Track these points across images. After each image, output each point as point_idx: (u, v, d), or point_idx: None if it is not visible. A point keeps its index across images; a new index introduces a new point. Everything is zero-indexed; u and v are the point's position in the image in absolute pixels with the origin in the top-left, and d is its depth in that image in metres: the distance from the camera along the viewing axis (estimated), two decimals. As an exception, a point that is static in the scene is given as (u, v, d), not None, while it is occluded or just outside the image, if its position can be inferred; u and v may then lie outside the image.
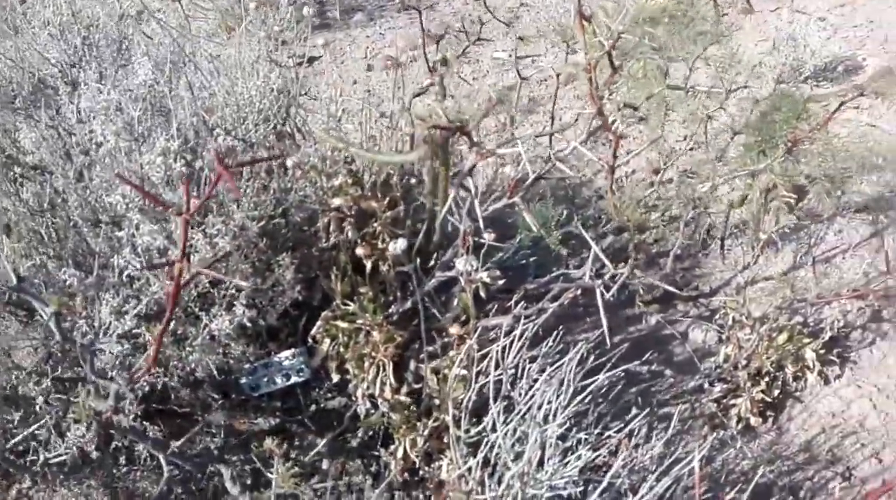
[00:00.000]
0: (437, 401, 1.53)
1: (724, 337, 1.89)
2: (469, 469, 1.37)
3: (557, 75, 1.68)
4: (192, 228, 1.44)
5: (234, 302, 1.37)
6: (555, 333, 1.56)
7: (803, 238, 2.15)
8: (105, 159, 1.45)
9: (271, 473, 1.22)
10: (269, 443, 1.19)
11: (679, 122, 2.52)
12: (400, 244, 1.22)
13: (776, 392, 1.77)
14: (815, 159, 1.45)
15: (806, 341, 1.76)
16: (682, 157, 2.39)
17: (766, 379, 1.75)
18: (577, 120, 1.98)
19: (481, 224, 1.17)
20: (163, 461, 1.39)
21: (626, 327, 2.06)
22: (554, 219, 1.99)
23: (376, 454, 1.69)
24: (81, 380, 1.47)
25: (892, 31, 2.72)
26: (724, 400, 1.78)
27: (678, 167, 2.41)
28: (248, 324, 1.37)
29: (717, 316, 1.98)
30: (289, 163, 1.37)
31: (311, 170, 1.56)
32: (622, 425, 1.49)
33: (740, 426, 1.75)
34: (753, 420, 1.73)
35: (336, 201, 1.43)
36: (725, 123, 2.23)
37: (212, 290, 1.50)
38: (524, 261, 2.13)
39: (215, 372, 1.46)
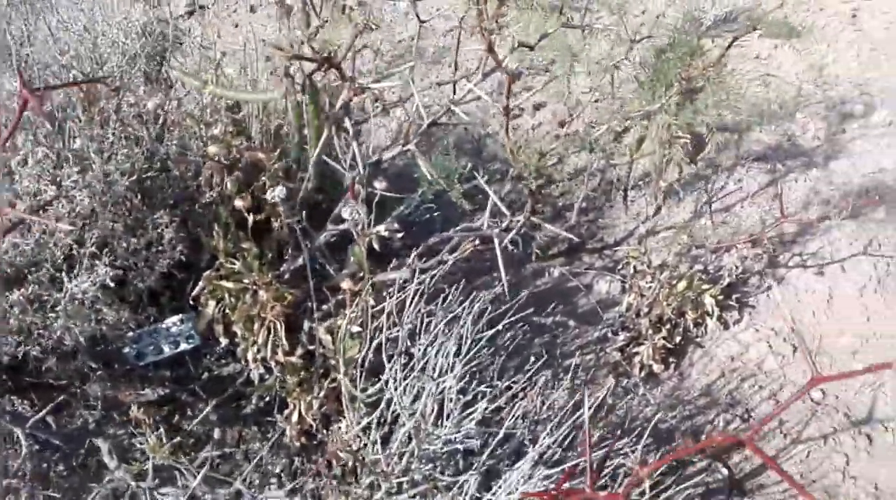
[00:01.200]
0: (332, 362, 1.45)
1: (626, 287, 1.89)
2: (365, 429, 1.31)
3: (460, 20, 1.59)
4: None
5: (97, 262, 1.24)
6: (455, 286, 1.50)
7: (704, 188, 2.17)
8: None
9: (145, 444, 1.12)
10: (135, 411, 1.08)
11: (585, 75, 2.49)
12: (278, 191, 1.13)
13: (677, 339, 1.78)
14: (713, 103, 1.43)
15: (705, 287, 1.77)
16: (587, 109, 2.36)
17: (668, 326, 1.76)
18: (478, 67, 1.90)
19: (360, 163, 1.09)
20: (21, 437, 1.26)
21: (532, 281, 2.03)
22: (457, 172, 1.92)
23: (273, 419, 1.60)
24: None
25: (788, -16, 2.76)
26: (628, 348, 1.78)
27: (584, 120, 2.38)
28: (111, 284, 1.25)
29: (620, 267, 1.98)
30: (149, 105, 1.24)
31: (187, 118, 1.43)
32: (525, 377, 1.47)
33: (643, 373, 1.76)
34: (656, 367, 1.74)
35: (212, 149, 1.31)
36: (630, 73, 2.21)
37: (77, 250, 1.37)
38: (428, 216, 2.06)
39: (82, 340, 1.33)
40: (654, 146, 1.90)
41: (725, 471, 1.61)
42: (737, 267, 1.87)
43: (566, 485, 0.99)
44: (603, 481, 1.25)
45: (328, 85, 1.24)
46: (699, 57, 1.33)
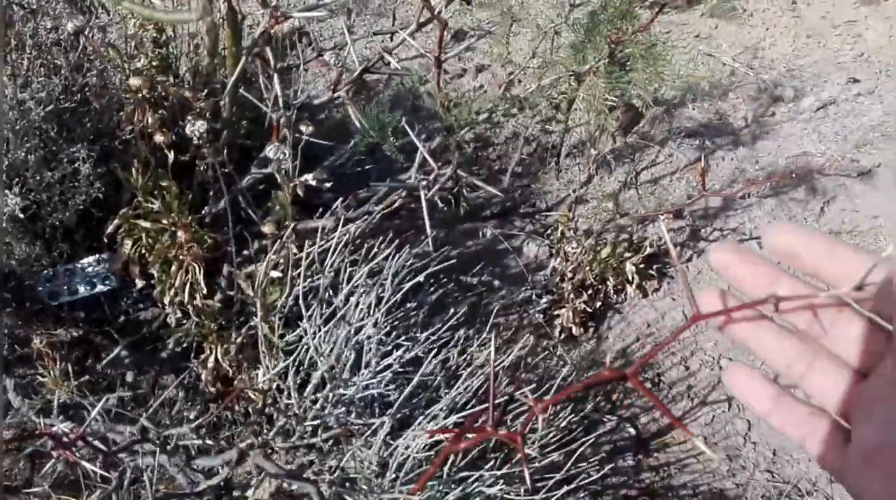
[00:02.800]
0: (252, 308, 1.44)
1: (554, 251, 1.93)
2: (281, 375, 1.31)
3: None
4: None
5: (7, 192, 1.19)
6: (382, 237, 1.50)
7: (635, 160, 2.21)
8: None
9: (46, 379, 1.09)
10: (37, 344, 1.05)
11: (527, 39, 2.49)
12: (198, 126, 1.10)
13: (598, 304, 1.82)
14: (642, 70, 1.45)
15: (627, 255, 1.81)
16: (527, 74, 2.37)
17: (589, 291, 1.80)
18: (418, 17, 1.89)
19: (280, 100, 1.06)
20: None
21: (463, 241, 2.05)
22: (392, 125, 1.91)
23: (190, 365, 1.58)
24: None
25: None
26: (550, 311, 1.82)
27: (525, 85, 2.39)
28: (21, 215, 1.20)
29: (549, 232, 2.01)
30: (69, 27, 1.18)
31: (109, 48, 1.37)
32: (447, 331, 1.48)
33: (563, 335, 1.80)
34: (575, 330, 1.79)
35: (134, 82, 1.26)
36: (571, 39, 2.23)
37: (-15, 179, 1.31)
38: (360, 170, 2.05)
39: (-12, 271, 1.28)
40: (589, 116, 1.92)
41: (633, 430, 1.67)
42: (659, 238, 1.92)
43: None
44: (509, 425, 1.28)
45: (251, 15, 1.21)
46: (629, 21, 1.34)
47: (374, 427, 1.23)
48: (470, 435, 0.47)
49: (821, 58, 2.54)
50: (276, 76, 1.02)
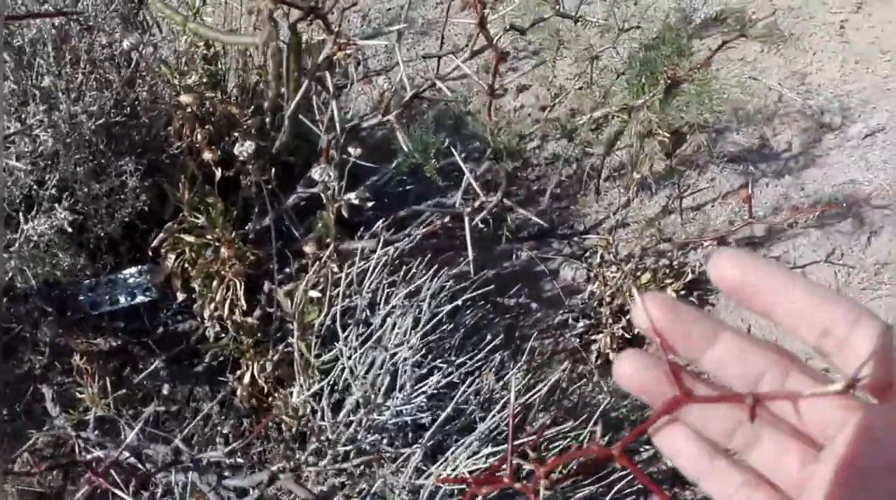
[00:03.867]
0: (290, 326, 1.44)
1: (592, 275, 1.90)
2: (315, 395, 1.30)
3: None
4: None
5: (56, 205, 1.21)
6: (420, 261, 1.50)
7: (677, 184, 2.18)
8: None
9: (83, 393, 1.10)
10: (77, 360, 1.06)
11: (570, 61, 2.48)
12: (247, 146, 1.11)
13: (636, 330, 1.79)
14: (696, 104, 1.43)
15: (668, 281, 1.78)
16: (569, 95, 2.35)
17: (628, 317, 1.77)
18: (467, 44, 1.89)
19: (337, 124, 1.07)
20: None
21: (499, 262, 2.03)
22: (435, 147, 1.91)
23: (225, 380, 1.59)
24: None
25: (780, -10, 2.77)
26: (587, 336, 1.80)
27: (566, 106, 2.38)
28: (69, 229, 1.22)
29: (587, 255, 1.99)
30: (125, 45, 1.21)
31: (161, 64, 1.40)
32: (483, 355, 1.47)
33: (599, 361, 1.77)
34: (612, 356, 1.76)
35: (185, 99, 1.28)
36: (615, 63, 2.21)
37: (36, 191, 1.33)
38: (401, 190, 2.05)
39: (34, 283, 1.31)
40: (632, 140, 1.90)
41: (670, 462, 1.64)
42: (701, 264, 1.89)
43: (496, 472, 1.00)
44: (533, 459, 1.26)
45: (310, 40, 1.22)
46: (687, 57, 1.32)
47: (406, 455, 1.22)
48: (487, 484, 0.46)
49: (869, 84, 2.48)
50: (334, 102, 1.03)
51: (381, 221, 1.47)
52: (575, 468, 1.38)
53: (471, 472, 1.22)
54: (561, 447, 1.35)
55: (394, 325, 1.29)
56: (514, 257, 2.02)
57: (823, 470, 0.35)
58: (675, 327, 0.38)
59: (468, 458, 1.20)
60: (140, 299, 1.62)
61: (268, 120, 1.62)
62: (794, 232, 2.05)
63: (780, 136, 2.35)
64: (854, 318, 0.34)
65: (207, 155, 1.25)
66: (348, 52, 0.94)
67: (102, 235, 1.47)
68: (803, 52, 2.57)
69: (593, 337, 1.78)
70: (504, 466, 0.47)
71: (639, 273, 1.76)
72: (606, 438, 1.54)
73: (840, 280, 1.97)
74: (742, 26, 1.45)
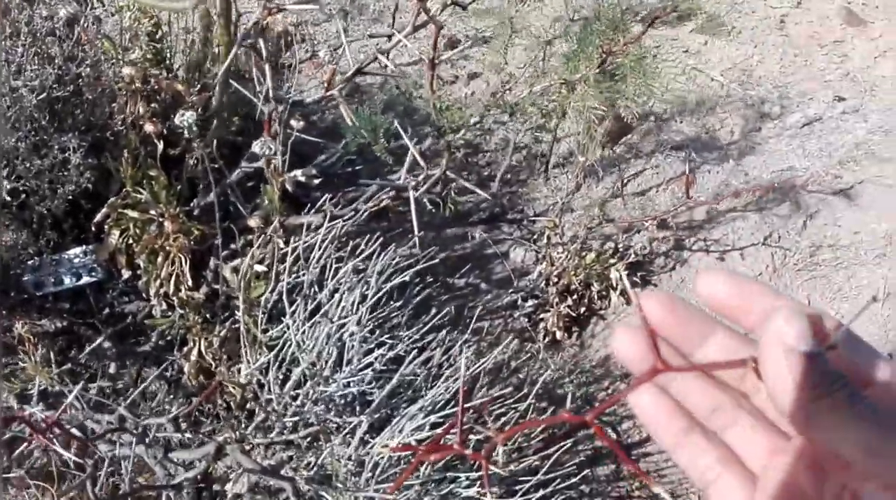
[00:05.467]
0: (236, 302, 1.44)
1: (540, 257, 1.94)
2: (262, 369, 1.31)
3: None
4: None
5: (-6, 175, 1.19)
6: (368, 237, 1.51)
7: (623, 170, 2.24)
8: None
9: (27, 365, 1.09)
10: (19, 328, 1.05)
11: (522, 48, 2.52)
12: (188, 116, 1.11)
13: (582, 309, 1.84)
14: (632, 82, 1.47)
15: (612, 262, 1.83)
16: (520, 82, 2.39)
17: (574, 296, 1.82)
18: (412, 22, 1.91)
19: (271, 93, 1.08)
20: None
21: (451, 244, 2.06)
22: (384, 127, 1.92)
23: (173, 358, 1.58)
24: None
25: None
26: (535, 315, 1.84)
27: (516, 94, 2.41)
28: (9, 199, 1.20)
29: (536, 237, 2.03)
30: (62, 13, 1.19)
31: (104, 39, 1.38)
32: (431, 330, 1.49)
33: (547, 339, 1.81)
34: (559, 334, 1.80)
35: (127, 71, 1.27)
36: (566, 50, 2.25)
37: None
38: (350, 170, 2.06)
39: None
40: (578, 125, 1.94)
41: (614, 436, 1.68)
42: (644, 246, 1.94)
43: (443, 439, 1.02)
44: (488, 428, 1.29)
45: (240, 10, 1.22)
46: (622, 32, 1.36)
47: (352, 426, 1.24)
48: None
49: (807, 76, 2.58)
50: (268, 69, 1.04)
51: (328, 196, 1.48)
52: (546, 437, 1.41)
53: (417, 442, 1.25)
54: (504, 420, 1.38)
55: (340, 299, 1.31)
56: (466, 239, 2.05)
57: (783, 460, 0.37)
58: (672, 324, 0.40)
59: (413, 429, 1.22)
60: (85, 279, 1.60)
61: (214, 96, 1.62)
62: (734, 215, 2.13)
63: (721, 125, 2.43)
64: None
65: (149, 127, 1.24)
66: (279, 18, 0.95)
67: (45, 211, 1.45)
68: (745, 45, 2.66)
69: (541, 316, 1.82)
70: (452, 432, 0.46)
71: (584, 253, 1.80)
72: (551, 411, 1.58)
73: (777, 262, 2.05)
74: (676, 5, 1.49)
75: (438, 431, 1.24)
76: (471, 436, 1.33)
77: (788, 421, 0.35)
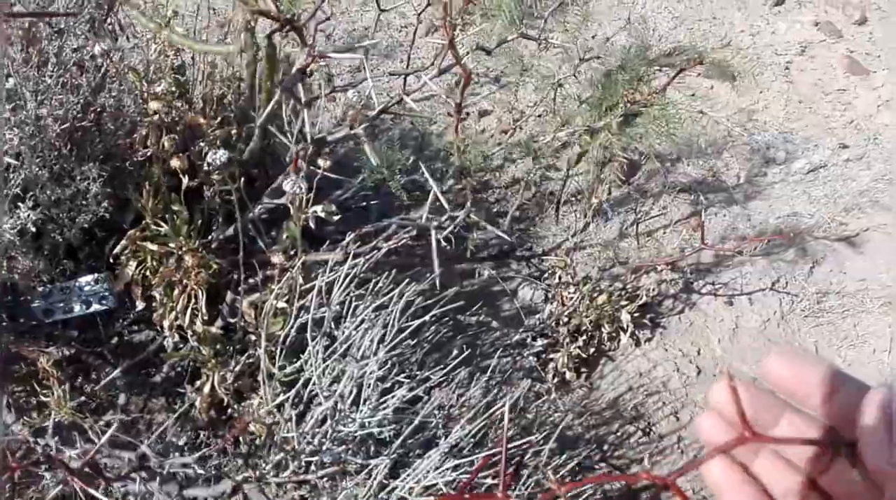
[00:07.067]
0: (252, 337, 1.43)
1: (550, 296, 1.94)
2: (279, 406, 1.30)
3: (419, 14, 1.61)
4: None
5: (20, 204, 1.19)
6: (386, 272, 1.51)
7: (631, 211, 2.26)
8: None
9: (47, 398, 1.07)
10: (43, 362, 1.04)
11: (532, 87, 2.55)
12: (220, 155, 1.11)
13: (591, 350, 1.84)
14: (654, 129, 1.49)
15: (623, 303, 1.84)
16: (530, 121, 2.42)
17: (584, 337, 1.82)
18: (433, 62, 1.93)
19: (308, 135, 1.08)
20: None
21: (460, 280, 2.06)
22: (399, 163, 1.93)
23: (182, 391, 1.57)
24: None
25: (732, 31, 2.91)
26: (544, 355, 1.83)
27: (527, 132, 2.44)
28: (32, 229, 1.20)
29: (546, 276, 2.03)
30: (96, 50, 1.20)
31: (129, 72, 1.39)
32: (444, 371, 1.49)
33: (556, 379, 1.81)
34: (568, 375, 1.80)
35: (154, 105, 1.27)
36: (575, 92, 2.28)
37: (-4, 192, 1.30)
38: (365, 204, 2.06)
39: (-8, 286, 1.27)
40: (588, 165, 1.96)
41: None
42: (654, 288, 1.95)
43: (478, 488, 1.01)
44: (532, 477, 1.28)
45: (279, 53, 1.23)
46: (646, 83, 1.39)
47: (370, 467, 1.22)
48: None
49: (812, 123, 2.62)
50: (305, 112, 1.04)
51: (349, 233, 1.48)
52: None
53: (433, 486, 1.23)
54: (523, 462, 1.37)
55: (361, 338, 1.30)
56: (475, 276, 2.05)
57: None
58: (747, 405, 0.40)
59: (432, 471, 1.21)
60: (95, 307, 1.58)
61: (233, 131, 1.63)
62: (742, 260, 2.14)
63: (727, 169, 2.46)
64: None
65: (175, 162, 1.24)
66: (321, 64, 0.96)
67: (61, 240, 1.44)
68: (751, 91, 2.71)
69: (550, 356, 1.81)
70: (482, 476, 0.45)
71: (595, 294, 1.81)
72: (563, 456, 1.57)
73: (784, 308, 2.07)
74: (697, 55, 1.52)
75: (460, 474, 1.23)
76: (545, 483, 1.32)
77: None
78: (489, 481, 1.27)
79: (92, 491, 0.71)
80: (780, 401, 0.42)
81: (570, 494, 1.33)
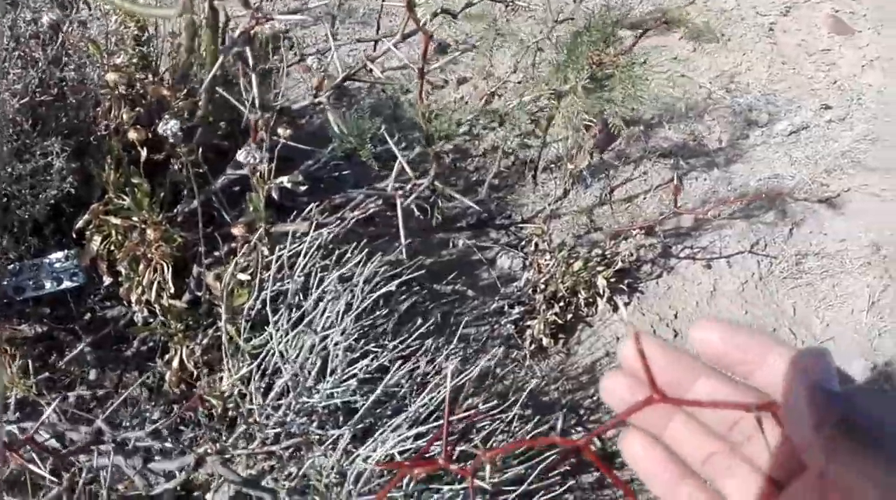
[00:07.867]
0: (219, 309, 1.43)
1: (527, 263, 1.94)
2: (244, 379, 1.30)
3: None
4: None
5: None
6: (355, 243, 1.50)
7: (610, 177, 2.24)
8: None
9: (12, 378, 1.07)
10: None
11: (510, 53, 2.51)
12: (171, 125, 1.09)
13: (569, 316, 1.84)
14: (621, 92, 1.47)
15: (599, 269, 1.83)
16: (509, 88, 2.39)
17: (561, 303, 1.81)
18: (401, 29, 1.91)
19: (257, 101, 1.06)
20: None
21: (437, 250, 2.05)
22: (370, 132, 1.91)
23: (154, 365, 1.57)
24: None
25: (713, -8, 2.86)
26: (521, 322, 1.83)
27: (506, 100, 2.41)
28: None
29: (523, 244, 2.03)
30: (45, 20, 1.17)
31: (89, 43, 1.37)
32: (416, 339, 1.49)
33: (533, 346, 1.81)
34: (545, 341, 1.80)
35: (111, 76, 1.25)
36: (554, 56, 2.25)
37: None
38: (337, 175, 2.05)
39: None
40: (567, 131, 1.94)
41: (599, 443, 1.68)
42: (631, 254, 1.94)
43: (427, 454, 1.01)
44: (474, 444, 1.28)
45: (231, 16, 1.21)
46: (612, 44, 1.36)
47: (334, 437, 1.23)
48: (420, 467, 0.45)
49: (795, 84, 2.59)
50: (254, 77, 1.02)
51: (314, 204, 1.47)
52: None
53: (400, 453, 1.24)
54: (490, 429, 1.38)
55: (325, 309, 1.30)
56: (451, 245, 2.04)
57: None
58: (662, 365, 0.40)
59: (397, 441, 1.22)
60: (66, 284, 1.58)
61: (200, 103, 1.60)
62: (721, 223, 2.13)
63: (709, 132, 2.44)
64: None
65: (133, 134, 1.23)
66: (266, 27, 0.94)
67: (27, 216, 1.43)
68: (733, 53, 2.67)
69: (527, 323, 1.81)
70: (437, 445, 0.45)
71: (571, 261, 1.80)
72: (536, 419, 1.57)
73: (763, 270, 2.06)
74: (665, 14, 1.49)
75: (422, 443, 1.24)
76: (455, 447, 1.32)
77: (806, 456, 0.35)
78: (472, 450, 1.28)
79: (31, 466, 0.71)
80: (698, 364, 0.41)
81: (520, 457, 1.33)
